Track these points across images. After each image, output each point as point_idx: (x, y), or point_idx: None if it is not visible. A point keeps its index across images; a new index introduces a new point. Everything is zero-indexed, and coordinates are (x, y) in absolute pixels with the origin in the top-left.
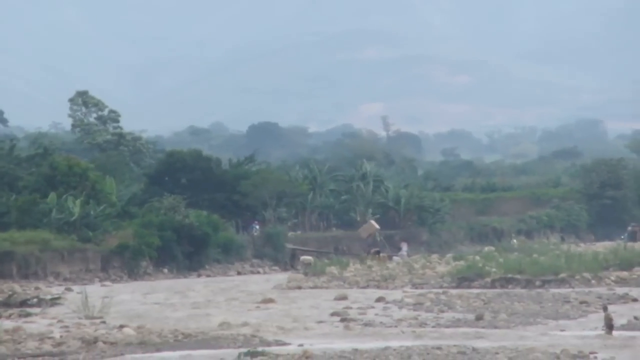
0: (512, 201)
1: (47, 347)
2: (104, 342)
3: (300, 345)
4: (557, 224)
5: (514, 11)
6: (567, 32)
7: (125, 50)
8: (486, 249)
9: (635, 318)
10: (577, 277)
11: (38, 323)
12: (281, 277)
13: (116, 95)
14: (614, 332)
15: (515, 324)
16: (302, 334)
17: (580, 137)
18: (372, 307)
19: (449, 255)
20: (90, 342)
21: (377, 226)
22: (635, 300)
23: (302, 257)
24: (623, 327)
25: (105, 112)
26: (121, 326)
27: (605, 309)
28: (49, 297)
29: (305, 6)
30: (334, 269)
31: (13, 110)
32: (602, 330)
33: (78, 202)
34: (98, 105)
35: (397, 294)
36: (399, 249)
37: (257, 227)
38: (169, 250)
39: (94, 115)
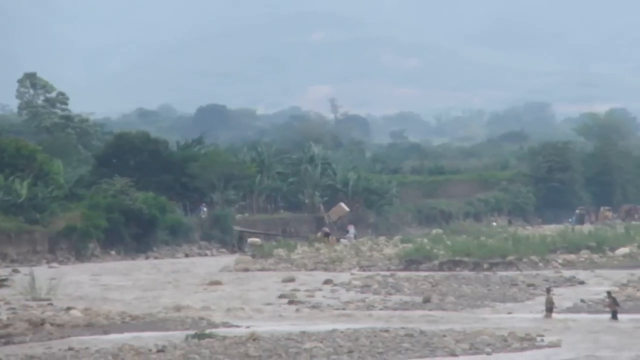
0: (460, 184)
1: None
2: (51, 324)
3: (248, 327)
4: (504, 206)
5: None
6: (516, 15)
7: (74, 33)
8: (434, 231)
9: (582, 301)
10: (525, 260)
11: None
12: (229, 259)
13: (65, 78)
14: (556, 315)
15: (463, 306)
16: (250, 316)
17: (528, 120)
18: (320, 290)
19: (397, 238)
20: (37, 324)
21: (347, 209)
22: (582, 283)
23: (250, 240)
24: (569, 310)
25: (54, 94)
26: (68, 308)
27: (548, 291)
28: None
29: None
30: (281, 251)
31: None
32: (543, 312)
33: (25, 183)
34: (46, 87)
35: (344, 277)
36: (347, 231)
37: (205, 209)
38: (116, 232)
39: (42, 97)
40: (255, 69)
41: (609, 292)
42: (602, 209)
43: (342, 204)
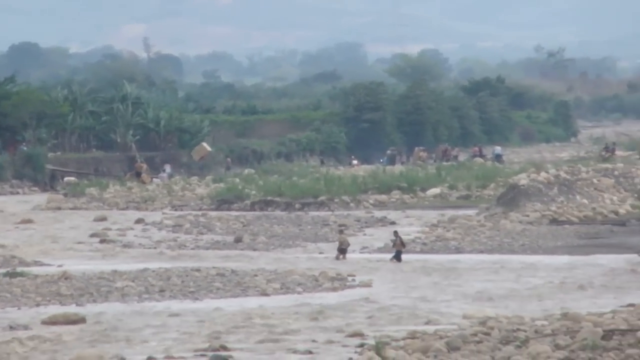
0: (272, 124)
1: None
2: None
3: (60, 265)
4: (317, 147)
5: None
6: None
7: None
8: (246, 171)
9: (392, 241)
10: (337, 200)
11: None
12: (41, 198)
13: None
14: (359, 255)
15: (275, 246)
16: (62, 255)
17: (341, 60)
18: (132, 229)
19: (209, 177)
20: None
21: (209, 148)
22: (393, 223)
23: (66, 178)
24: (380, 250)
25: None
26: None
27: (341, 231)
28: None
29: None
30: (93, 190)
31: None
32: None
33: None
34: None
35: (156, 216)
36: (163, 170)
37: (25, 148)
38: None
39: None
40: (68, 6)
41: (395, 232)
42: (416, 149)
43: (204, 144)
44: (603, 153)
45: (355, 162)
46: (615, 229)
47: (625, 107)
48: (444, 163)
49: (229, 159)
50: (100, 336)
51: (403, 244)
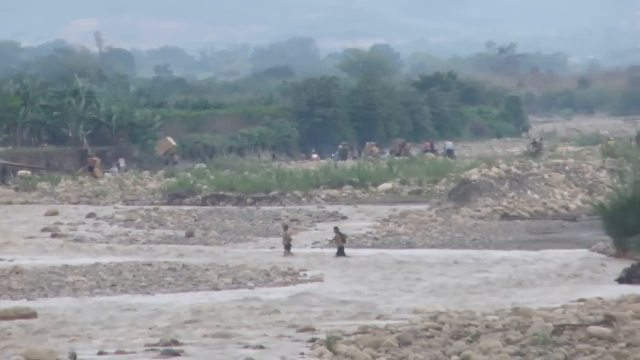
0: (224, 119)
1: None
2: None
3: (11, 260)
4: (268, 141)
5: None
6: None
7: None
8: (197, 166)
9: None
10: (288, 194)
11: None
12: None
13: None
14: (303, 250)
15: (226, 241)
16: (13, 249)
17: (293, 55)
18: (83, 223)
19: (160, 172)
20: None
21: (174, 143)
22: (344, 218)
23: (20, 172)
24: (332, 245)
25: None
26: None
27: (285, 227)
28: None
29: None
30: (45, 185)
31: None
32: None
33: None
34: None
35: (108, 210)
36: (118, 164)
37: None
38: None
39: None
40: (19, 0)
41: (336, 228)
42: (367, 144)
43: (169, 138)
44: (530, 147)
45: (315, 155)
46: (566, 224)
47: (576, 103)
48: (396, 158)
49: (175, 155)
50: (52, 331)
51: (343, 239)
